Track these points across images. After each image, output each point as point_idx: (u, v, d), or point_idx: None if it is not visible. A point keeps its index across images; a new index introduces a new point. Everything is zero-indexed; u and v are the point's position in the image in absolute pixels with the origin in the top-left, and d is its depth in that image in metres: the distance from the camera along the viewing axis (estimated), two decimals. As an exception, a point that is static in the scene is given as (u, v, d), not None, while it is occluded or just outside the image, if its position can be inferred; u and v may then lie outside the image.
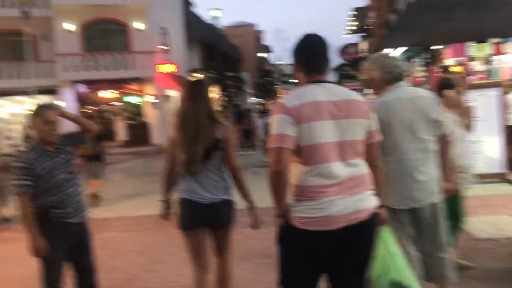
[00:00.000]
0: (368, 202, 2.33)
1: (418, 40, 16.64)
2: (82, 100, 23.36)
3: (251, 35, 59.54)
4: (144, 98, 23.95)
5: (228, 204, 3.24)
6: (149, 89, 23.85)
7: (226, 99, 30.46)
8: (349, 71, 33.57)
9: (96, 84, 22.98)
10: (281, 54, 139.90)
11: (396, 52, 17.06)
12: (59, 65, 22.05)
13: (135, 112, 24.53)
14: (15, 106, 24.18)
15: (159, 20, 25.34)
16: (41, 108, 3.35)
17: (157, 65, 23.81)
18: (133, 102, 24.62)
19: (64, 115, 3.50)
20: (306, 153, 2.26)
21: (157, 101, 23.88)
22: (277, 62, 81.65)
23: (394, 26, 26.10)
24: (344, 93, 2.37)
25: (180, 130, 3.14)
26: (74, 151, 3.49)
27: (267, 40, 67.69)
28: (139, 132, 22.76)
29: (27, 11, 18.40)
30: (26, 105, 21.89)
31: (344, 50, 29.36)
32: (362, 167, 2.35)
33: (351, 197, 2.27)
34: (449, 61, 15.71)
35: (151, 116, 23.63)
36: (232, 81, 32.55)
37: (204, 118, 3.11)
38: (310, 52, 2.41)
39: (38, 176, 3.20)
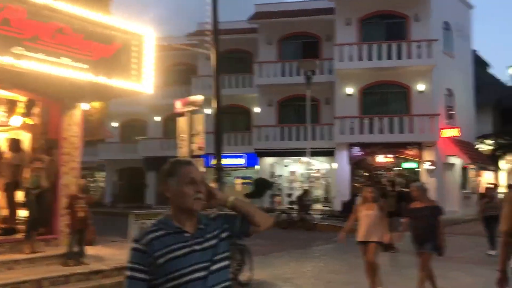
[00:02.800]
0: None
1: None
2: (355, 163, 23.03)
3: None
4: (421, 165, 21.95)
5: None
6: (428, 155, 21.76)
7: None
8: None
9: (370, 147, 22.34)
10: None
11: None
12: (336, 127, 22.40)
13: (410, 179, 22.65)
14: (296, 165, 25.80)
15: (445, 81, 23.35)
16: (178, 164, 2.24)
17: (438, 129, 21.63)
18: (409, 168, 22.88)
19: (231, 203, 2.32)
20: None
21: (435, 168, 21.49)
22: None
23: None
24: None
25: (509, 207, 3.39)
26: (228, 240, 2.27)
27: None
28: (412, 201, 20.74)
29: (310, 76, 19.40)
30: (306, 165, 23.05)
31: None
32: None
33: None
34: None
35: (427, 184, 21.32)
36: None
37: None
38: None
39: (158, 268, 2.09)
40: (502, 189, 23.73)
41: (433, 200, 7.52)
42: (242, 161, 26.66)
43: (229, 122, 28.61)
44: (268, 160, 25.61)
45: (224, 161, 27.15)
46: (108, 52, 7.10)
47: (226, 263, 2.22)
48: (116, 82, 7.25)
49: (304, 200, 19.16)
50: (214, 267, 2.16)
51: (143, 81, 7.61)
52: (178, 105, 7.42)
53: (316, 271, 9.36)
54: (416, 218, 6.83)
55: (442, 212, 6.96)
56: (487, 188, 13.47)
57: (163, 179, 2.24)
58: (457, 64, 24.63)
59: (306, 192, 19.83)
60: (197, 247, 2.14)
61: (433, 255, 6.82)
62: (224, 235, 2.25)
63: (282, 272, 9.12)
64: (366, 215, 7.09)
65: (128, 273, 2.11)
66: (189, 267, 2.09)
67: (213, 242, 2.20)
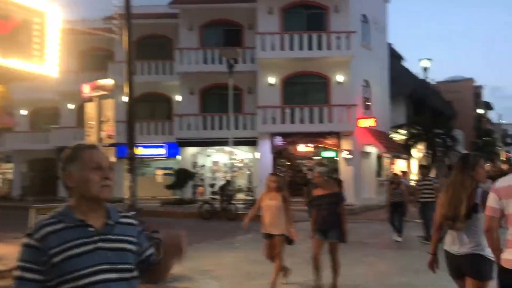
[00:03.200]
0: None
1: None
2: (278, 153, 23.24)
3: (469, 90, 53.96)
4: (339, 154, 22.59)
5: (479, 258, 3.72)
6: (346, 144, 22.44)
7: (431, 157, 27.04)
8: None
9: (292, 137, 22.62)
10: (502, 113, 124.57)
11: None
12: (258, 117, 22.41)
13: (330, 167, 23.25)
14: (219, 155, 25.51)
15: (362, 72, 24.14)
16: (79, 148, 1.96)
17: (356, 119, 22.35)
18: (328, 157, 23.47)
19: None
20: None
21: (352, 157, 22.23)
22: (499, 121, 72.51)
23: None
24: None
25: (447, 193, 3.87)
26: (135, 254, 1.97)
27: (484, 97, 60.78)
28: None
29: (233, 64, 19.15)
30: (229, 155, 22.84)
31: None
32: None
33: None
34: None
35: (345, 172, 22.05)
36: (442, 140, 28.95)
37: (466, 186, 3.76)
38: None
39: (54, 268, 1.78)
40: (413, 176, 25.13)
41: (336, 187, 7.36)
42: (162, 151, 25.95)
43: (149, 111, 27.69)
44: (190, 150, 25.12)
45: (144, 151, 26.39)
46: (4, 29, 6.35)
47: (136, 274, 1.94)
48: (15, 63, 6.52)
49: (226, 190, 19.00)
50: (126, 274, 1.87)
51: (47, 63, 6.93)
52: (86, 90, 6.83)
53: (236, 262, 9.19)
54: (318, 206, 6.57)
55: (344, 199, 6.89)
56: (394, 175, 13.95)
57: (63, 166, 1.92)
58: (374, 56, 25.55)
59: (228, 182, 19.67)
60: (103, 245, 1.84)
61: (339, 243, 6.66)
62: (135, 248, 1.96)
63: (200, 264, 8.85)
64: (268, 206, 6.58)
65: (18, 273, 1.79)
66: (91, 268, 1.78)
67: (127, 246, 1.91)
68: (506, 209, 3.29)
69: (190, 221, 17.66)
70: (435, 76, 78.31)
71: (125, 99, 10.78)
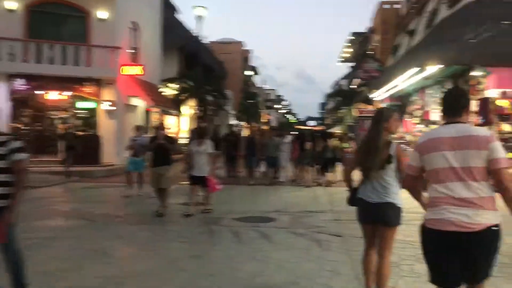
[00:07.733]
0: (480, 218, 2.83)
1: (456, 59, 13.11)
2: (19, 100, 18.41)
3: (238, 53, 55.65)
4: (99, 105, 19.10)
5: (391, 206, 3.89)
6: (108, 94, 19.06)
7: (203, 114, 25.85)
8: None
9: (39, 81, 18.11)
10: (264, 79, 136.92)
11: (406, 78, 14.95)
12: (-10, 51, 17.16)
13: (87, 121, 19.57)
14: None
15: (130, 12, 20.88)
16: None
17: (120, 65, 19.11)
18: (86, 108, 19.70)
19: None
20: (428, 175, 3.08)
21: (115, 109, 19.04)
22: (263, 86, 78.17)
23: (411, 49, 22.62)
24: (465, 130, 2.95)
25: (363, 145, 4.04)
26: None
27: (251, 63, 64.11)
28: (88, 147, 17.73)
29: None
30: None
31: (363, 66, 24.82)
32: (480, 190, 2.87)
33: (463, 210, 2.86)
34: (491, 91, 12.54)
35: (105, 127, 18.81)
36: (213, 97, 28.03)
37: (380, 138, 3.89)
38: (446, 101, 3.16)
39: None
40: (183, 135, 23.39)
41: None
42: None
43: None
44: None
45: None
46: None
47: None
48: None
49: None
50: None
51: None
52: None
53: None
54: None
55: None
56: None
57: None
58: (144, -4, 22.49)
59: None
60: None
61: None
62: None
63: None
64: None
65: None
66: None
67: None
68: (428, 165, 3.07)
69: None
70: (208, 36, 79.23)
71: None
